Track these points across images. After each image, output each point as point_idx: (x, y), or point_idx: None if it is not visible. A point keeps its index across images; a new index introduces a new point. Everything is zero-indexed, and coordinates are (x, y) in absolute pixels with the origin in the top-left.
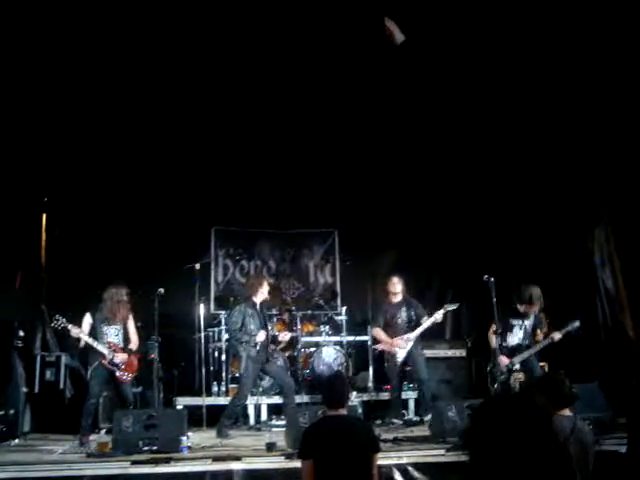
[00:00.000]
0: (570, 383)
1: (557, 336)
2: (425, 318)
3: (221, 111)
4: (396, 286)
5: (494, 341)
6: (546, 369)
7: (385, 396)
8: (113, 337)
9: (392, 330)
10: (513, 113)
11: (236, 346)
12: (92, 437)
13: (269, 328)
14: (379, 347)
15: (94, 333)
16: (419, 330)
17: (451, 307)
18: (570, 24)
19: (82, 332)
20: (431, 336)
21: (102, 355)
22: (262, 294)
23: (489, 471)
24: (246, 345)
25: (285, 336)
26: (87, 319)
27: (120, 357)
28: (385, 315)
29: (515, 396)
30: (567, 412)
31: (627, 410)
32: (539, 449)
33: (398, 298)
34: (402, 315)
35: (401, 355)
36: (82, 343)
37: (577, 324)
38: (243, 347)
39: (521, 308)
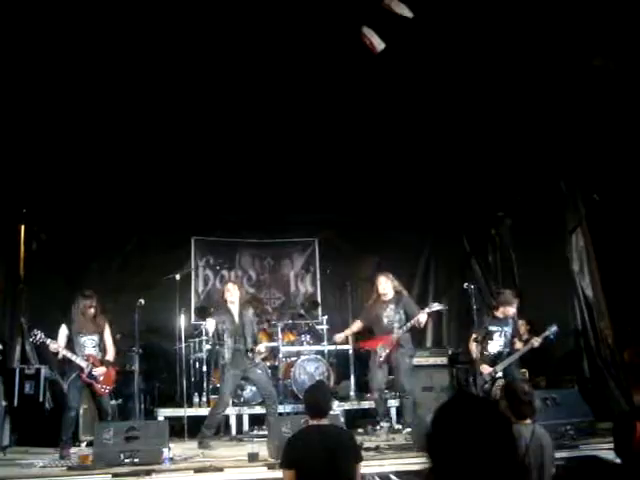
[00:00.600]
0: (533, 393)
1: (536, 342)
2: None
3: (200, 121)
4: (383, 285)
5: (475, 350)
6: (526, 375)
7: (367, 405)
8: (90, 348)
9: (377, 329)
10: (496, 110)
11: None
12: (73, 450)
13: (248, 333)
14: (363, 344)
15: (71, 345)
16: (401, 331)
17: (437, 307)
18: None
19: (60, 347)
20: (413, 344)
21: (80, 368)
22: (230, 294)
23: (447, 472)
24: (220, 349)
25: (261, 348)
26: (63, 330)
27: (98, 370)
28: (368, 314)
29: (474, 398)
30: (527, 421)
31: (613, 416)
32: (497, 451)
33: (388, 297)
34: (389, 314)
35: (382, 353)
36: (60, 355)
37: (555, 328)
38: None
39: (499, 313)
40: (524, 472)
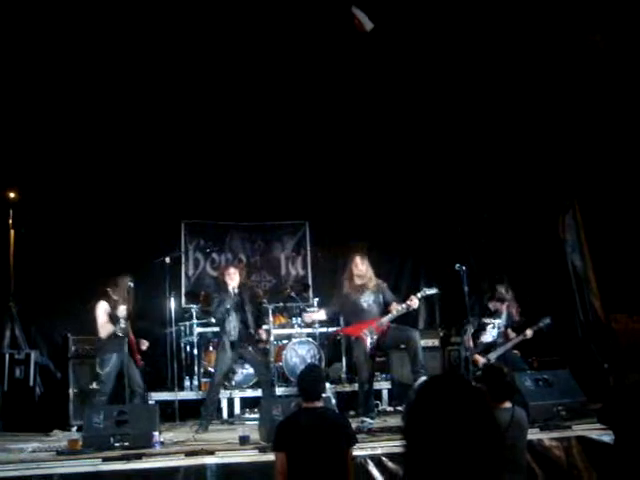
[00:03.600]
0: (512, 374)
1: (529, 333)
2: (395, 304)
3: (191, 104)
4: (359, 267)
5: (469, 342)
6: (519, 356)
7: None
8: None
9: (357, 316)
10: (483, 103)
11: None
12: (62, 434)
13: (248, 313)
14: (342, 331)
15: (112, 321)
16: (390, 316)
17: (429, 292)
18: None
19: None
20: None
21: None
22: (230, 279)
23: (424, 450)
24: (221, 331)
25: (263, 334)
26: (104, 307)
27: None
28: (344, 299)
29: (454, 377)
30: (506, 404)
31: (604, 395)
32: (476, 429)
33: (362, 281)
34: (368, 299)
35: (369, 339)
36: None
37: (548, 321)
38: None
39: (493, 306)
40: (502, 459)
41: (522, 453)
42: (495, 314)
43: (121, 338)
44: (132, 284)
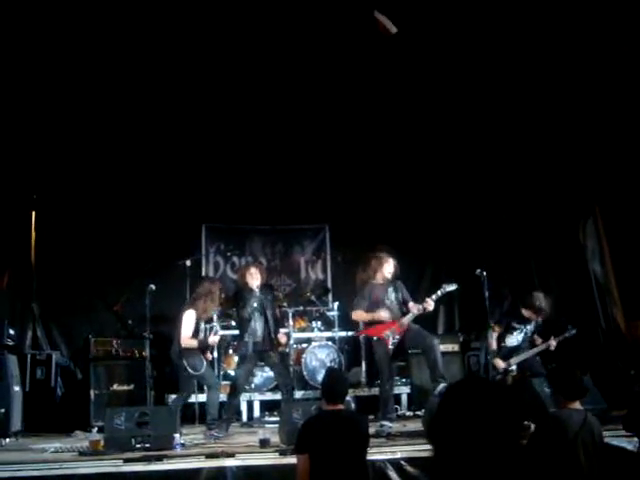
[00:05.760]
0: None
1: (553, 343)
2: (413, 304)
3: (211, 109)
4: (391, 266)
5: (494, 344)
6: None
7: (377, 391)
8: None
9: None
10: (505, 108)
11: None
12: (83, 435)
13: (269, 316)
14: (364, 332)
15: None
16: (410, 315)
17: (450, 287)
18: (559, 20)
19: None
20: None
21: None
22: (253, 278)
23: (451, 458)
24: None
25: (282, 337)
26: (193, 316)
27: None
28: (370, 296)
29: (484, 382)
30: (577, 405)
31: (628, 403)
32: (504, 438)
33: (388, 278)
34: (390, 297)
35: (390, 340)
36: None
37: (574, 332)
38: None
39: (526, 313)
40: (529, 461)
41: (591, 459)
42: (526, 321)
43: None
44: (153, 286)
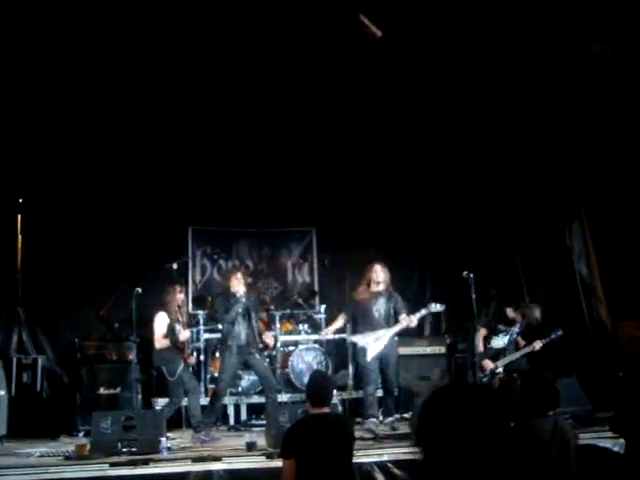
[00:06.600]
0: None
1: (537, 345)
2: (404, 316)
3: (199, 112)
4: (379, 274)
5: (481, 346)
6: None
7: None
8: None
9: (366, 324)
10: (491, 112)
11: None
12: (69, 439)
13: (253, 320)
14: (353, 339)
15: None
16: (393, 330)
17: (436, 308)
18: (541, 27)
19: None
20: (410, 333)
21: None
22: (239, 283)
23: (437, 462)
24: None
25: (268, 338)
26: (164, 319)
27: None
28: (354, 308)
29: (470, 385)
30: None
31: (615, 404)
32: (492, 442)
33: (380, 287)
34: (380, 308)
35: (371, 353)
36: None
37: (560, 333)
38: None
39: (512, 316)
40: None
41: (568, 465)
42: (512, 323)
43: None
44: (139, 290)
